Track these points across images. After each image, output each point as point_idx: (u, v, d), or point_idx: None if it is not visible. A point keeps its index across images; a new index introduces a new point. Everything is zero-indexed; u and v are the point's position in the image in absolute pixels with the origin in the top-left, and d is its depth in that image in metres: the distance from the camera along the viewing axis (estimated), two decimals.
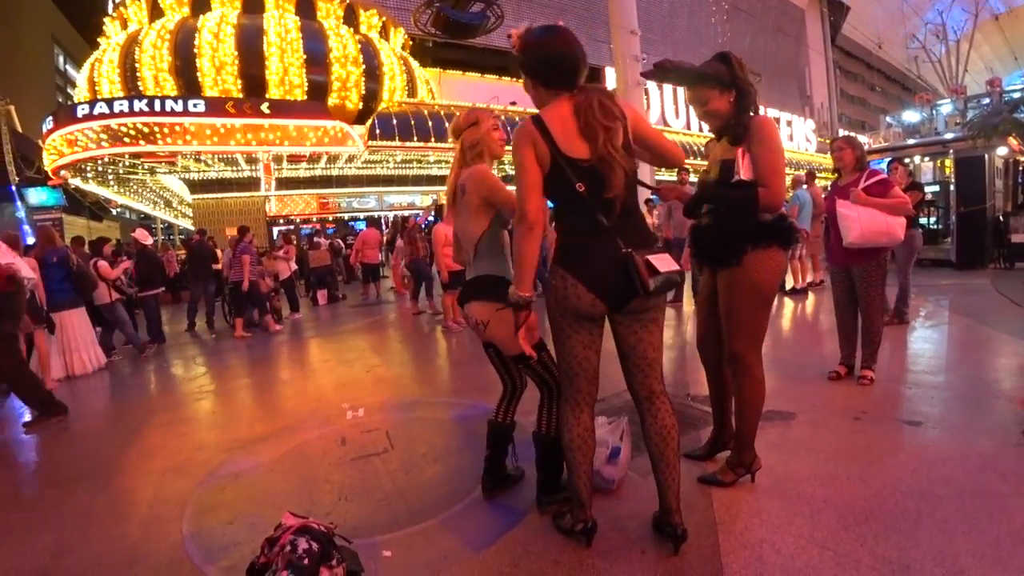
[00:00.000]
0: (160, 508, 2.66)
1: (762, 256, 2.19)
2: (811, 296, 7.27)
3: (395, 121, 18.78)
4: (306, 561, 1.52)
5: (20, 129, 19.69)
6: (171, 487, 2.89)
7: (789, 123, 32.39)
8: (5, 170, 18.58)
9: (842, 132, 40.75)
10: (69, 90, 41.43)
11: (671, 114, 28.19)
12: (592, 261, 1.82)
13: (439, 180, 22.48)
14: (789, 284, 7.94)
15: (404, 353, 6.08)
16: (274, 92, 18.31)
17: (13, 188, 19.53)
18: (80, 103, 16.87)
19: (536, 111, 1.86)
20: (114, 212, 26.26)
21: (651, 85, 25.34)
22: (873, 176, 3.67)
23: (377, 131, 18.37)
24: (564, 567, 1.91)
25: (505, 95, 25.55)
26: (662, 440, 1.91)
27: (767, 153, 2.14)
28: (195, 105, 15.79)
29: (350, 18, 21.69)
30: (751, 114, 2.23)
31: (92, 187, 19.80)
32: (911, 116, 21.30)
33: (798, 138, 32.78)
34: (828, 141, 37.66)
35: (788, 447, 2.72)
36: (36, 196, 20.92)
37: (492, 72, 30.99)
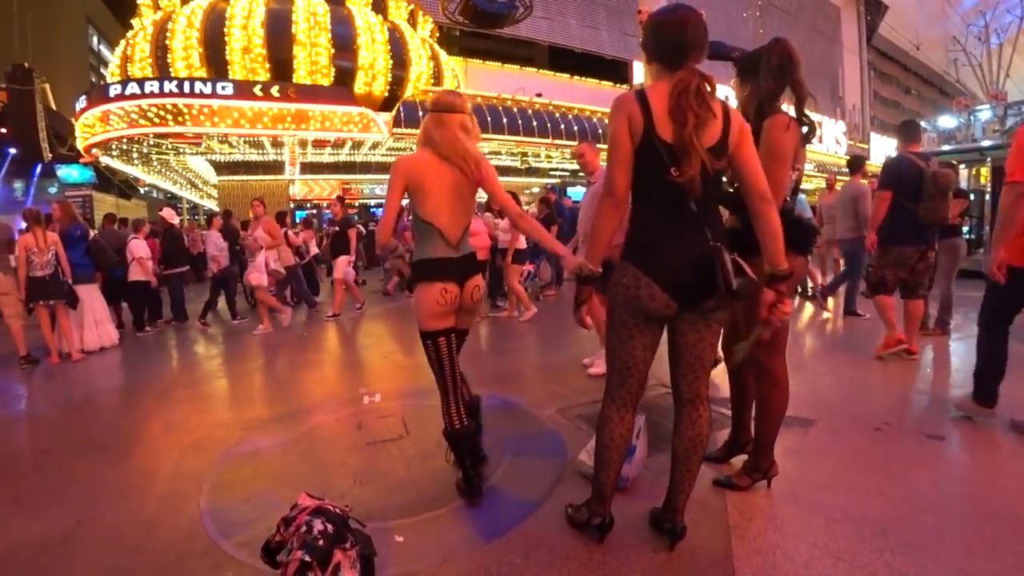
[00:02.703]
0: (178, 482, 2.72)
1: (618, 269, 1.93)
2: (830, 300, 7.12)
3: (420, 108, 18.83)
4: (321, 542, 1.54)
5: (54, 107, 20.13)
6: (189, 462, 2.95)
7: (819, 124, 31.70)
8: (39, 147, 19.01)
9: (873, 135, 39.91)
10: (102, 70, 42.29)
11: None
12: (670, 257, 1.72)
13: None
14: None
15: (418, 342, 6.11)
16: (301, 77, 18.46)
17: (55, 165, 20.01)
18: (112, 83, 17.22)
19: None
20: (142, 191, 26.81)
21: None
22: None
23: (402, 118, 18.44)
24: (575, 561, 1.91)
25: (531, 86, 25.44)
26: (693, 446, 1.88)
27: (763, 160, 1.86)
28: (223, 88, 16.02)
29: (379, 5, 21.75)
30: (772, 116, 2.11)
31: (121, 166, 20.22)
32: (947, 121, 20.69)
33: (828, 140, 32.12)
34: (859, 143, 36.83)
35: (806, 454, 2.69)
36: (68, 173, 21.40)
37: (518, 62, 30.89)
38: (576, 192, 25.47)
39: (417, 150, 2.30)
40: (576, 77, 31.17)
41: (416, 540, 2.09)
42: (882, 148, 38.38)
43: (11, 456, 3.35)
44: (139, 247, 7.06)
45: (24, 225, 5.54)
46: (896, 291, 4.26)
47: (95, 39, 49.68)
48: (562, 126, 21.98)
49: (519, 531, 2.12)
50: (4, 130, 19.33)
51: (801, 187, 2.47)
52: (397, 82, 20.48)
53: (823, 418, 3.11)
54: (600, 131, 22.91)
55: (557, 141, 21.77)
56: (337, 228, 7.81)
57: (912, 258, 4.09)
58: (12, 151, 19.64)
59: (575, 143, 22.16)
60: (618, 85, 30.05)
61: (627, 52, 29.67)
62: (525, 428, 3.20)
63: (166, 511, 2.44)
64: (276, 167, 19.03)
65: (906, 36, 39.18)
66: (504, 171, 23.67)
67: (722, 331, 2.44)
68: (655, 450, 2.69)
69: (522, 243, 6.64)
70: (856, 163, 6.12)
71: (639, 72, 20.95)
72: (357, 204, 21.58)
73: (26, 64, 19.30)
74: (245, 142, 17.64)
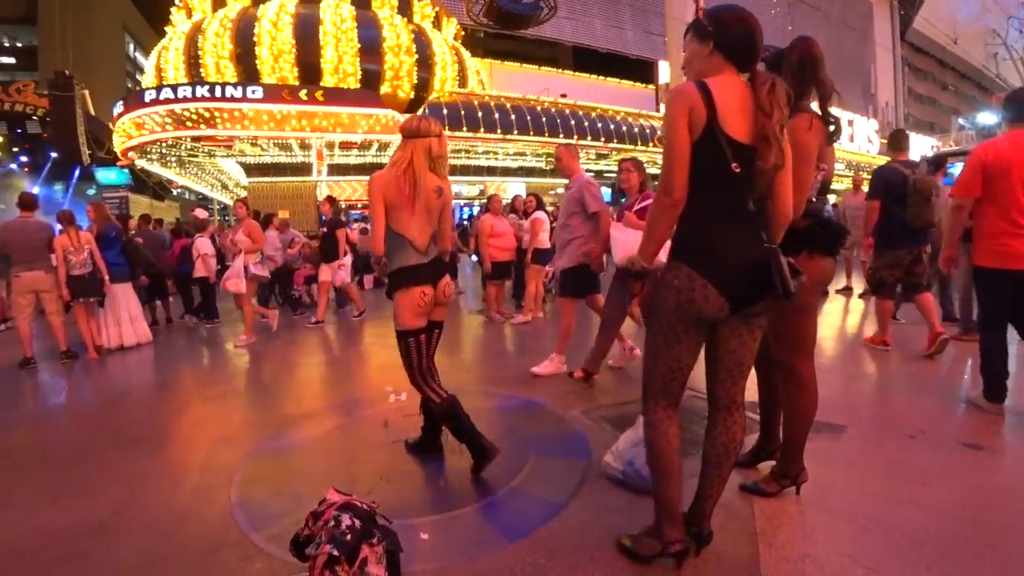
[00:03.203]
0: (210, 475, 2.79)
1: (667, 270, 1.82)
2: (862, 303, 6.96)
3: (445, 111, 18.99)
4: (348, 537, 1.56)
5: (93, 112, 20.86)
6: (221, 456, 3.03)
7: (851, 123, 30.89)
8: (79, 151, 19.73)
9: (910, 134, 38.76)
10: (138, 76, 43.74)
11: None
12: (728, 257, 1.66)
13: (486, 171, 22.59)
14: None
15: (445, 342, 6.13)
16: (329, 80, 18.80)
17: (93, 168, 20.77)
18: (147, 88, 17.76)
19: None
20: (175, 193, 27.51)
21: None
22: (647, 199, 3.79)
23: None
24: (599, 564, 1.90)
25: (555, 86, 25.41)
26: (725, 452, 1.85)
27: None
28: (253, 92, 16.40)
29: (404, 8, 22.01)
30: (794, 115, 2.01)
31: (156, 168, 20.84)
32: (986, 118, 19.94)
33: (859, 139, 31.29)
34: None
35: (836, 461, 2.62)
36: (105, 176, 22.15)
37: (542, 63, 30.89)
38: (604, 193, 25.38)
39: (388, 168, 2.52)
40: (601, 77, 31.01)
41: (441, 537, 2.11)
42: (917, 147, 37.24)
43: (53, 446, 3.48)
44: (204, 245, 7.43)
45: (60, 226, 5.77)
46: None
47: (131, 46, 51.51)
48: (587, 126, 21.89)
49: (543, 531, 2.12)
50: (46, 135, 20.10)
51: (831, 187, 2.41)
52: (422, 84, 20.70)
53: (855, 424, 3.03)
54: (624, 130, 22.75)
55: (582, 142, 21.68)
56: (325, 230, 7.35)
57: (905, 259, 4.39)
58: (53, 155, 20.40)
59: (601, 143, 22.12)
60: (643, 85, 29.84)
61: (652, 51, 29.43)
62: (549, 429, 3.19)
63: (198, 502, 2.51)
64: (304, 169, 19.39)
65: (942, 30, 37.94)
66: (529, 172, 23.68)
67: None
68: (682, 455, 2.66)
69: (544, 243, 6.59)
70: (897, 141, 4.89)
71: (664, 71, 20.71)
72: None
73: (67, 71, 20.04)
74: (274, 144, 18.02)
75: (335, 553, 1.53)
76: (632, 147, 23.00)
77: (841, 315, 6.59)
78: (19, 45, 48.34)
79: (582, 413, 3.38)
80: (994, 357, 3.10)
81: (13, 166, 21.45)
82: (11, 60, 48.13)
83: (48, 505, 2.59)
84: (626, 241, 3.69)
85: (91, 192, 21.89)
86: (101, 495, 2.64)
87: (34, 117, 20.22)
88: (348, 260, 7.34)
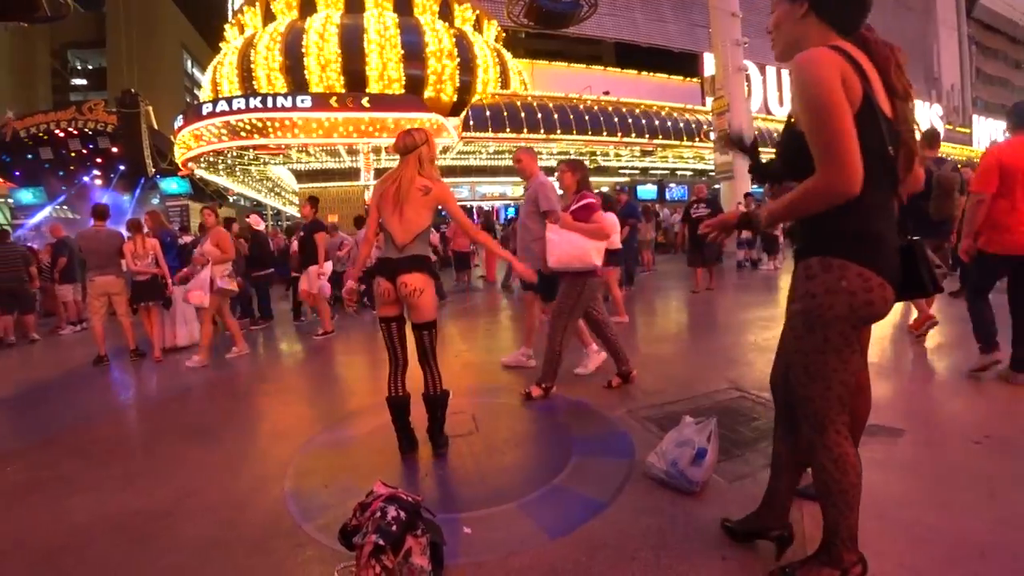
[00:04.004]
0: (265, 467, 2.94)
1: (824, 271, 1.52)
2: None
3: (488, 112, 19.13)
4: (394, 528, 1.62)
5: (156, 126, 22.13)
6: (275, 449, 3.18)
7: None
8: (144, 163, 20.97)
9: (976, 118, 36.30)
10: (195, 91, 46.26)
11: (774, 102, 26.39)
12: (892, 251, 1.49)
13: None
14: None
15: (490, 341, 6.20)
16: (374, 87, 19.27)
17: (156, 178, 22.07)
18: (205, 102, 18.68)
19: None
20: (231, 200, 28.85)
21: (753, 71, 23.86)
22: (582, 199, 3.76)
23: (471, 122, 18.82)
24: (640, 563, 1.88)
25: (598, 84, 25.19)
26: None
27: (803, 115, 1.45)
28: (302, 101, 16.96)
29: (445, 13, 22.30)
30: None
31: (213, 177, 21.91)
32: None
33: (922, 125, 29.52)
34: (959, 128, 33.67)
35: (892, 466, 2.48)
36: (168, 185, 23.46)
37: (584, 61, 30.66)
38: (647, 191, 24.97)
39: (381, 179, 2.87)
40: (644, 73, 30.52)
41: (483, 532, 2.14)
42: (987, 132, 34.84)
43: (123, 438, 3.75)
44: (292, 247, 7.99)
45: (128, 233, 6.17)
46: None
47: (189, 63, 54.63)
48: (631, 123, 21.59)
49: (585, 530, 2.12)
50: (115, 149, 21.47)
51: None
52: (465, 87, 20.91)
53: (914, 428, 2.87)
54: (669, 126, 22.30)
55: (626, 139, 21.40)
56: (303, 233, 7.02)
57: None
58: (121, 167, 21.76)
59: (645, 139, 21.76)
60: (687, 79, 29.16)
61: (696, 44, 28.69)
62: (593, 428, 3.18)
63: (255, 492, 2.64)
64: (352, 174, 19.92)
65: (1014, 4, 35.30)
66: None
67: (775, 363, 1.94)
68: (728, 457, 2.61)
69: (616, 244, 6.30)
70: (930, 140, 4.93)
71: (709, 64, 20.16)
72: None
73: (132, 89, 21.33)
74: (323, 151, 18.61)
75: (381, 543, 1.58)
76: (677, 142, 22.52)
77: (900, 312, 6.25)
78: (90, 67, 52.20)
79: (626, 413, 3.35)
80: (987, 318, 3.65)
81: (86, 178, 23.01)
82: (83, 81, 51.98)
83: (120, 490, 2.79)
84: (560, 243, 3.64)
85: (155, 201, 23.22)
86: (167, 483, 2.82)
87: (105, 133, 21.59)
88: (328, 267, 6.88)
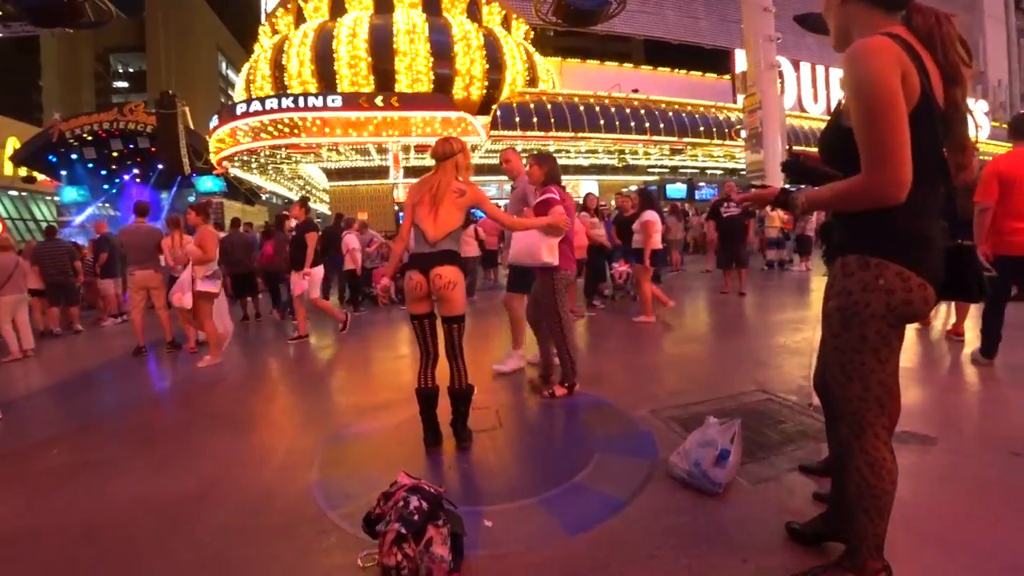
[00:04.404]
0: (293, 456, 3.01)
1: (861, 269, 1.48)
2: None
3: (516, 111, 19.18)
4: (416, 517, 1.65)
5: (192, 126, 22.81)
6: (303, 439, 3.26)
7: None
8: (181, 162, 21.63)
9: None
10: (230, 91, 47.59)
11: (809, 99, 25.75)
12: (937, 251, 1.44)
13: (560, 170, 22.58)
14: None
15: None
16: (403, 86, 19.49)
17: (192, 177, 22.77)
18: (239, 102, 19.18)
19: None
20: (263, 198, 29.58)
21: (786, 67, 23.33)
22: (546, 193, 3.76)
23: (499, 121, 18.87)
24: (659, 563, 1.88)
25: (627, 82, 24.98)
26: None
27: (854, 111, 1.37)
28: (333, 100, 17.29)
29: (473, 12, 22.43)
30: None
31: (246, 175, 22.49)
32: None
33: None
34: (1004, 124, 32.37)
35: (923, 476, 2.40)
36: (203, 183, 24.17)
37: (614, 59, 30.40)
38: (677, 190, 24.66)
39: (418, 182, 3.02)
40: (674, 70, 30.14)
41: (504, 526, 2.16)
42: None
43: (159, 425, 3.89)
44: (352, 240, 8.27)
45: (167, 230, 6.38)
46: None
47: (223, 64, 56.26)
48: (660, 122, 21.36)
49: (604, 527, 2.12)
50: (154, 148, 22.21)
51: None
52: (493, 85, 20.99)
53: (948, 437, 2.77)
54: (699, 124, 21.98)
55: (655, 137, 21.18)
56: (294, 233, 6.82)
57: None
58: (159, 166, 22.51)
59: (674, 138, 21.49)
60: (718, 76, 28.68)
61: (728, 40, 28.18)
62: (616, 427, 3.17)
63: (282, 481, 2.71)
64: (382, 172, 20.21)
65: None
66: (601, 169, 23.41)
67: (818, 363, 1.90)
68: (752, 459, 2.57)
69: (657, 243, 6.25)
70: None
71: (741, 60, 19.79)
72: None
73: (170, 91, 22.04)
74: (353, 149, 18.93)
75: (403, 531, 1.62)
76: (707, 141, 22.19)
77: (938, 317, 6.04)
78: (131, 70, 54.34)
79: (650, 412, 3.33)
80: (995, 323, 3.86)
81: (127, 177, 23.88)
82: (125, 84, 54.06)
83: (155, 474, 2.91)
84: (521, 237, 3.79)
85: (191, 198, 23.91)
86: (198, 469, 2.93)
87: (144, 133, 22.38)
88: (318, 272, 6.59)
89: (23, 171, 23.92)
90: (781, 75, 19.66)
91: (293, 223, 8.47)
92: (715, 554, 1.91)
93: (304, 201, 6.98)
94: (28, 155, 23.36)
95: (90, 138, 22.75)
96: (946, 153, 1.44)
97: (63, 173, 23.92)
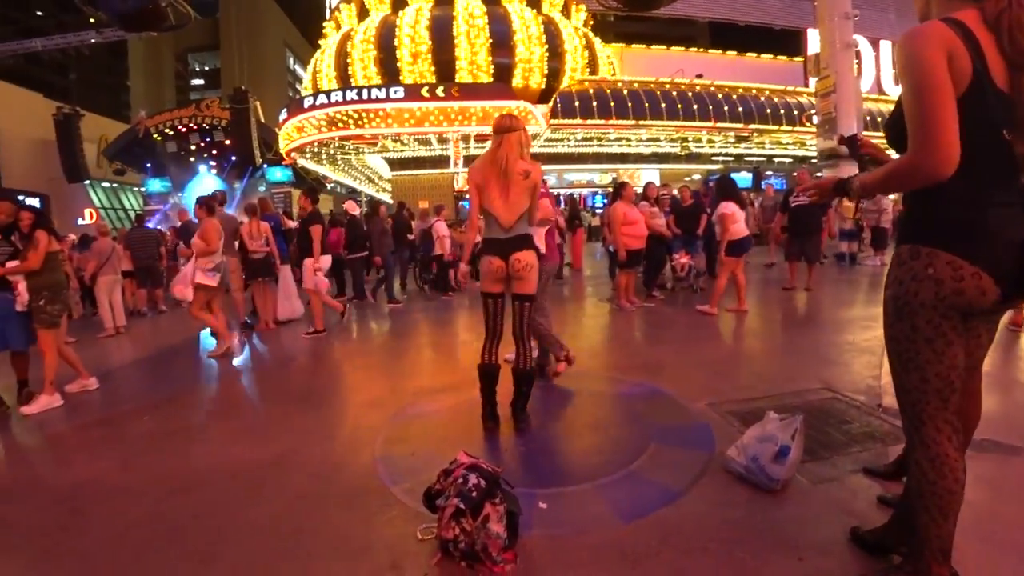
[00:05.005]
0: (359, 433, 3.20)
1: (912, 258, 1.48)
2: None
3: (576, 99, 19.01)
4: (474, 494, 1.73)
5: (262, 119, 24.01)
6: (367, 418, 3.44)
7: None
8: (253, 154, 22.86)
9: None
10: (297, 85, 49.69)
11: (889, 80, 23.95)
12: (998, 240, 1.38)
13: (619, 158, 22.26)
14: None
15: (573, 327, 6.24)
16: (463, 76, 19.71)
17: (263, 168, 24.10)
18: (306, 96, 20.00)
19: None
20: (328, 187, 30.79)
21: (864, 47, 21.83)
22: None
23: (559, 109, 18.77)
24: (712, 555, 1.87)
25: (691, 67, 24.17)
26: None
27: (903, 92, 1.39)
28: (395, 92, 17.73)
29: (533, 0, 22.30)
30: None
31: (313, 166, 23.48)
32: None
33: None
34: None
35: (1005, 486, 2.26)
36: (273, 174, 25.46)
37: (677, 44, 29.42)
38: (742, 179, 23.71)
39: (480, 160, 3.01)
40: (740, 53, 28.84)
41: (558, 509, 2.21)
42: None
43: (235, 398, 4.24)
44: (442, 227, 8.66)
45: (244, 218, 6.80)
46: None
47: (291, 60, 58.79)
48: (725, 108, 20.56)
49: (657, 517, 2.13)
50: (228, 141, 23.59)
51: None
52: (553, 74, 20.87)
53: None
54: (767, 109, 21.01)
55: (720, 124, 20.44)
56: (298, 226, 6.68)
57: None
58: (233, 158, 23.89)
59: (740, 124, 20.66)
60: (788, 58, 27.23)
61: (799, 19, 26.60)
62: (672, 418, 3.15)
63: (349, 454, 2.89)
64: (442, 161, 20.58)
65: None
66: (663, 158, 22.86)
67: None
68: (814, 458, 2.50)
69: (740, 232, 6.06)
70: None
71: (814, 40, 18.68)
72: None
73: (243, 87, 23.28)
74: (415, 140, 19.37)
75: (461, 507, 1.70)
76: (775, 127, 21.19)
77: None
78: (206, 68, 57.76)
79: (708, 406, 3.28)
80: None
81: (203, 168, 25.52)
82: (201, 81, 57.50)
83: (233, 443, 3.18)
84: None
85: (261, 189, 25.22)
86: (273, 440, 3.16)
87: (219, 127, 23.85)
88: (325, 263, 6.39)
89: (114, 164, 26.07)
90: (858, 55, 18.42)
91: (357, 211, 8.86)
92: (770, 550, 1.88)
93: (312, 193, 6.73)
94: (118, 150, 25.46)
95: (171, 133, 24.47)
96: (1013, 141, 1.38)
97: (148, 165, 25.88)
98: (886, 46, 23.76)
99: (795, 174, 8.60)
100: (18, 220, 4.18)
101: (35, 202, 17.48)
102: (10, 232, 4.18)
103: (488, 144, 3.05)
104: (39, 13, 43.46)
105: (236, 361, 5.33)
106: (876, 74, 23.72)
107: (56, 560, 2.11)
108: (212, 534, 2.20)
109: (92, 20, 20.71)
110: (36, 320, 4.08)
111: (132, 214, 28.95)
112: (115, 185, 30.08)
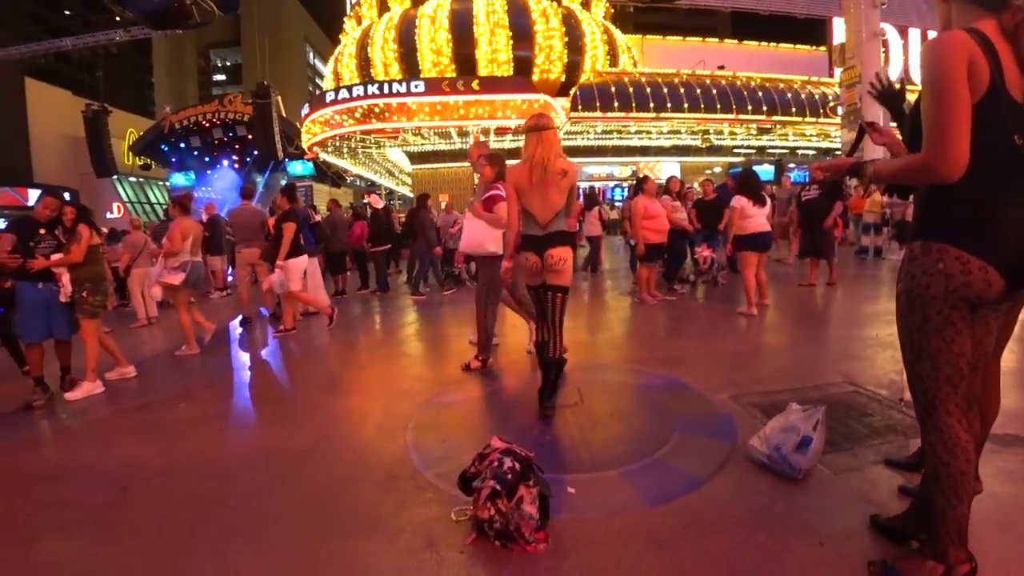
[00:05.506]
0: (389, 420, 3.30)
1: (924, 254, 1.57)
2: None
3: (596, 91, 18.95)
4: (509, 476, 1.82)
5: (284, 114, 24.34)
6: (397, 405, 3.55)
7: None
8: (275, 148, 23.21)
9: None
10: (318, 80, 50.10)
11: (917, 71, 23.28)
12: (1007, 237, 1.46)
13: (639, 151, 22.13)
14: None
15: (596, 320, 6.31)
16: (483, 69, 19.75)
17: (285, 161, 24.47)
18: (327, 91, 20.23)
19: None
20: (348, 181, 31.15)
21: (892, 35, 21.33)
22: (493, 190, 4.08)
23: (579, 102, 18.71)
24: (735, 539, 1.94)
25: (712, 59, 23.90)
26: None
27: (923, 94, 1.48)
28: (416, 86, 17.87)
29: None
30: None
31: (334, 160, 23.76)
32: None
33: None
34: None
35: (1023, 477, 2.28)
36: (294, 168, 25.83)
37: (697, 34, 29.05)
38: (764, 172, 23.39)
39: (520, 163, 3.09)
40: (764, 44, 28.37)
41: (586, 494, 2.30)
42: None
43: (268, 386, 4.39)
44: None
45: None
46: None
47: (311, 55, 59.27)
48: (747, 99, 20.28)
49: (682, 502, 2.20)
50: (250, 136, 23.96)
51: None
52: (573, 67, 20.81)
53: None
54: (790, 100, 20.67)
55: (742, 116, 20.22)
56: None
57: None
58: (255, 152, 24.28)
59: (762, 116, 20.38)
60: (812, 48, 26.72)
61: (824, 8, 26.01)
62: (695, 409, 3.21)
63: (381, 441, 3.00)
64: (462, 155, 20.68)
65: None
66: (684, 151, 22.67)
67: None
68: (835, 449, 2.55)
69: (750, 228, 5.96)
70: None
71: (839, 30, 18.29)
72: None
73: (264, 82, 23.61)
74: (435, 133, 19.50)
75: (497, 488, 1.80)
76: (799, 119, 20.87)
77: None
78: (228, 64, 58.63)
79: (730, 397, 3.33)
80: None
81: (226, 162, 25.99)
82: (223, 77, 58.37)
83: (268, 428, 3.34)
84: (471, 229, 4.08)
85: (283, 182, 25.62)
86: (306, 426, 3.29)
87: (242, 122, 24.22)
88: (298, 262, 6.12)
89: (140, 160, 26.68)
90: (885, 44, 18.04)
91: (380, 205, 8.98)
92: (792, 535, 1.94)
93: (290, 188, 6.56)
94: (144, 145, 26.07)
95: (195, 128, 24.92)
96: None
97: (173, 160, 26.44)
98: (915, 34, 23.12)
99: (811, 167, 8.36)
100: (62, 215, 4.37)
101: (66, 197, 18.01)
102: (54, 226, 4.37)
103: (507, 138, 3.10)
104: (67, 12, 44.51)
105: (264, 352, 5.50)
106: (904, 62, 23.07)
107: (111, 533, 2.25)
108: (254, 513, 2.32)
109: (119, 19, 21.17)
110: (79, 311, 4.26)
111: (159, 208, 29.73)
112: (141, 180, 30.80)
